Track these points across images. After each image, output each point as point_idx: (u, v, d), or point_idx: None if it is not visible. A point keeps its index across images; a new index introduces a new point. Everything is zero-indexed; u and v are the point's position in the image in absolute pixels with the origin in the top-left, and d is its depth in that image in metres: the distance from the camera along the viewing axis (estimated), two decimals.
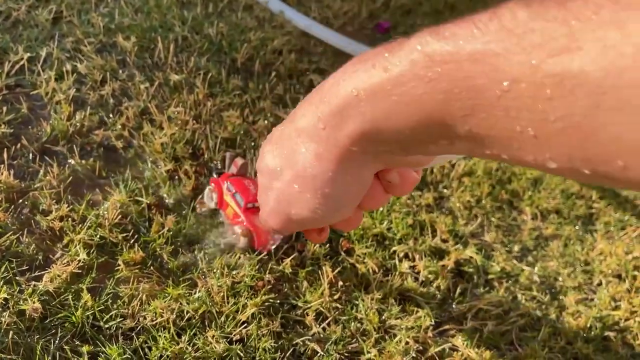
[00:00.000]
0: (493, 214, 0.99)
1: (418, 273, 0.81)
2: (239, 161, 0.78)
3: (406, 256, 0.83)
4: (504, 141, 0.28)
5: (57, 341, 0.58)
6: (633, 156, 0.23)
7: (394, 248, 0.83)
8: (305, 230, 0.54)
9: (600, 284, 0.94)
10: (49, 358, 0.56)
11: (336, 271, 0.76)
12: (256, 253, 0.74)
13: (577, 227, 1.04)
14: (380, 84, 0.33)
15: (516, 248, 0.95)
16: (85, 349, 0.58)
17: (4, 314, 0.57)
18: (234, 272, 0.71)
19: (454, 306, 0.80)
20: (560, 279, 0.93)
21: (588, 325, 0.85)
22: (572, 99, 0.24)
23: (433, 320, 0.75)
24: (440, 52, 0.30)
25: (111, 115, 0.88)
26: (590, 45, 0.23)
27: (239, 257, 0.73)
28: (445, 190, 0.99)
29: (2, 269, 0.62)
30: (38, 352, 0.56)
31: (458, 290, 0.82)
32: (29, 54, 0.90)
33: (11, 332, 0.56)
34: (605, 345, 0.84)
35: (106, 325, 0.61)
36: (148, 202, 0.76)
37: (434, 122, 0.31)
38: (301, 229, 0.51)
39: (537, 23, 0.26)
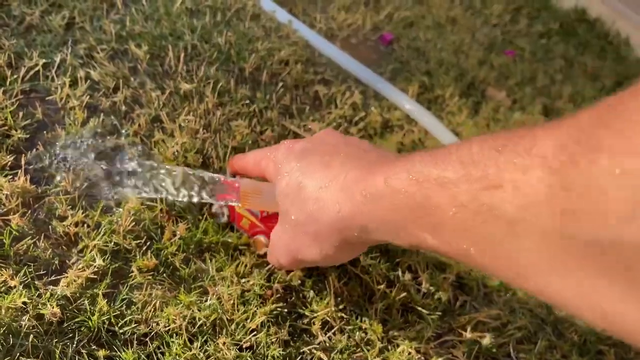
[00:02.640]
0: None
1: (420, 284, 0.84)
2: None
3: (409, 268, 0.85)
4: (460, 253, 0.37)
5: (74, 345, 0.60)
6: (540, 276, 0.31)
7: (397, 259, 0.85)
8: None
9: None
10: None
11: (342, 282, 0.78)
12: (266, 263, 0.76)
13: None
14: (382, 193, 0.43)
15: None
16: (101, 353, 0.60)
17: (24, 317, 0.59)
18: (243, 281, 0.73)
19: (454, 317, 0.83)
20: None
21: (583, 339, 0.87)
22: (496, 225, 0.32)
23: (434, 331, 0.78)
24: (420, 175, 0.39)
25: (123, 122, 0.90)
26: (506, 184, 0.30)
27: (248, 266, 0.75)
28: None
29: (21, 273, 0.63)
30: (57, 356, 0.58)
31: (458, 303, 0.85)
32: (44, 60, 0.92)
33: (31, 336, 0.58)
34: (599, 358, 0.86)
35: (121, 331, 0.63)
36: (161, 208, 0.78)
37: (407, 227, 0.41)
38: (301, 267, 0.70)
39: (481, 158, 0.33)
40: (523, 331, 0.85)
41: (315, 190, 0.51)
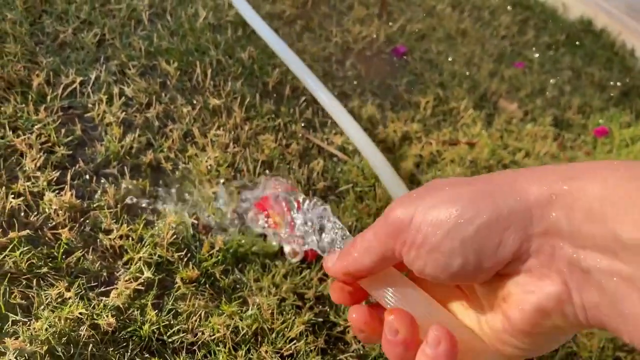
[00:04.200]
0: None
1: None
2: (279, 184, 0.85)
3: None
4: None
5: (129, 353, 0.63)
6: None
7: None
8: None
9: None
10: None
11: None
12: (300, 273, 0.80)
13: None
14: None
15: None
16: None
17: (82, 328, 0.62)
18: (278, 290, 0.77)
19: None
20: None
21: (601, 345, 0.91)
22: None
23: None
24: None
25: (157, 138, 0.93)
26: None
27: (283, 277, 0.79)
28: None
29: (75, 285, 0.67)
30: None
31: None
32: (80, 78, 0.95)
33: (90, 345, 0.61)
34: None
35: (170, 340, 0.67)
36: (197, 222, 0.81)
37: None
38: (391, 254, 0.34)
39: None
40: None
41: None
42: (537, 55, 1.76)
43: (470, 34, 1.74)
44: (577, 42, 1.92)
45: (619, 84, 1.76)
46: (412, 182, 1.08)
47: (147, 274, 0.70)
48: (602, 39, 1.99)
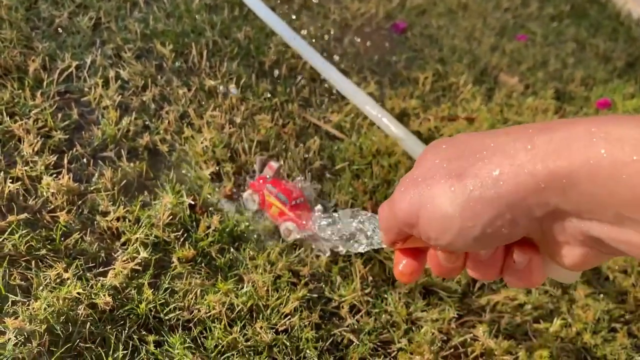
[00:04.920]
0: None
1: None
2: (274, 165, 0.86)
3: None
4: None
5: (126, 331, 0.65)
6: None
7: None
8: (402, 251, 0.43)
9: (607, 278, 1.01)
10: (122, 346, 0.63)
11: (367, 267, 0.83)
12: (295, 251, 0.81)
13: None
14: None
15: None
16: (151, 338, 0.65)
17: (80, 307, 0.64)
18: (273, 267, 0.78)
19: (473, 299, 0.87)
20: None
21: (596, 317, 0.91)
22: None
23: (455, 313, 0.82)
24: None
25: (154, 120, 0.94)
26: None
27: (279, 254, 0.80)
28: None
29: (73, 266, 0.68)
30: (112, 341, 0.63)
31: (477, 285, 0.89)
32: (76, 62, 0.96)
33: (88, 324, 0.63)
34: (612, 336, 0.91)
35: (166, 317, 0.68)
36: (193, 202, 0.82)
37: None
38: (408, 232, 0.38)
39: None
40: (539, 311, 0.89)
41: (486, 140, 0.35)
42: (540, 27, 1.74)
43: (472, 8, 1.72)
44: (582, 13, 1.89)
45: (623, 54, 1.74)
46: (411, 158, 1.09)
47: (143, 254, 0.72)
48: (607, 9, 1.96)
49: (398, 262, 0.42)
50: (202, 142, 0.92)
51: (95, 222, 0.76)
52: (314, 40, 1.31)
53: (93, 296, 0.66)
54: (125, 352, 0.63)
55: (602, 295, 0.97)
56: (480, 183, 0.32)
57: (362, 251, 0.78)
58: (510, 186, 0.30)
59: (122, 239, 0.75)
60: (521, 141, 0.31)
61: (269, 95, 1.08)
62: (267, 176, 0.87)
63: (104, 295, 0.65)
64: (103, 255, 0.73)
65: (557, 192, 0.29)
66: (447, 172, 0.34)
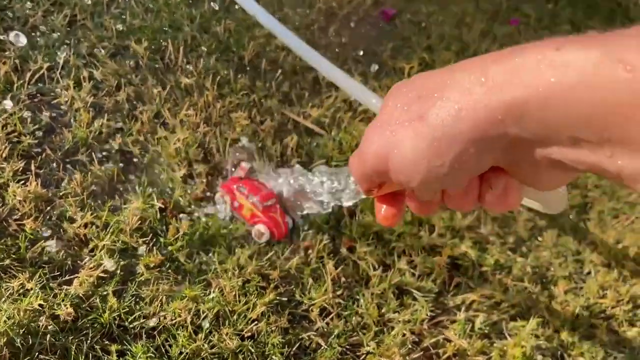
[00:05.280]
0: None
1: (415, 268, 0.87)
2: (246, 165, 0.85)
3: (404, 252, 0.89)
4: None
5: (88, 341, 0.65)
6: None
7: (393, 244, 0.89)
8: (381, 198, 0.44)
9: (589, 273, 0.99)
10: (83, 357, 0.64)
11: (339, 268, 0.82)
12: (266, 254, 0.81)
13: (571, 217, 1.10)
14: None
15: (511, 239, 1.00)
16: (114, 347, 0.65)
17: (41, 318, 0.64)
18: (243, 271, 0.78)
19: (449, 298, 0.87)
20: (552, 268, 0.98)
21: (576, 313, 0.91)
22: None
23: (428, 313, 0.82)
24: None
25: (127, 121, 0.93)
26: None
27: (247, 258, 0.80)
28: None
29: (37, 275, 0.68)
30: (73, 352, 0.63)
31: (453, 284, 0.88)
32: (48, 63, 0.95)
33: (48, 335, 0.63)
34: (591, 332, 0.90)
35: (131, 325, 0.68)
36: (163, 206, 0.82)
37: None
38: (380, 180, 0.39)
39: None
40: (517, 309, 0.89)
41: (445, 77, 0.35)
42: (534, 10, 1.69)
43: None
44: None
45: None
46: None
47: (107, 261, 0.72)
48: None
49: (379, 209, 0.43)
50: (175, 143, 0.91)
51: (62, 229, 0.76)
52: (298, 31, 1.29)
53: (55, 307, 0.66)
54: None
55: (583, 290, 0.96)
56: (441, 122, 0.33)
57: (351, 203, 0.78)
58: (470, 121, 0.32)
59: (90, 246, 0.75)
60: (475, 75, 0.32)
61: (247, 91, 1.07)
62: (240, 177, 0.86)
63: (66, 306, 0.66)
64: (69, 263, 0.73)
65: (514, 123, 0.30)
66: (409, 115, 0.35)
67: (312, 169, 0.89)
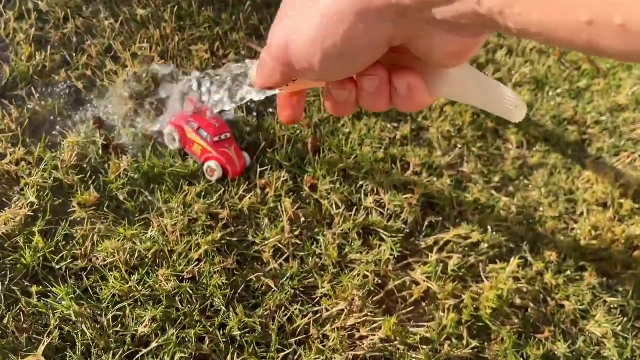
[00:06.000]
0: (474, 143, 0.96)
1: (384, 207, 0.80)
2: (194, 98, 0.77)
3: (372, 190, 0.81)
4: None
5: (7, 282, 0.60)
6: None
7: (360, 182, 0.81)
8: (283, 100, 0.46)
9: (582, 213, 0.91)
10: None
11: (297, 207, 0.76)
12: (215, 190, 0.74)
13: (565, 155, 1.00)
14: None
15: (496, 178, 0.92)
16: (34, 289, 0.60)
17: None
18: (189, 210, 0.72)
19: (420, 239, 0.79)
20: (540, 209, 0.90)
21: (563, 256, 0.83)
22: None
23: (395, 254, 0.75)
24: None
25: (74, 55, 0.86)
26: None
27: (197, 196, 0.73)
28: (424, 121, 0.96)
29: None
30: None
31: (426, 224, 0.81)
32: None
33: None
34: (579, 275, 0.82)
35: (57, 266, 0.63)
36: (106, 142, 0.76)
37: None
38: (287, 74, 0.39)
39: None
40: (496, 250, 0.81)
41: None
42: None
43: None
44: None
45: None
46: None
47: (32, 199, 0.66)
48: None
49: (282, 107, 0.45)
50: (125, 77, 0.84)
51: None
52: None
53: None
54: None
55: (574, 232, 0.88)
56: (329, 1, 0.33)
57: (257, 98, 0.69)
58: None
59: (22, 184, 0.70)
60: None
61: (211, 23, 0.99)
62: (190, 111, 0.79)
63: None
64: None
65: None
66: (302, 2, 0.35)
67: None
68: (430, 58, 0.35)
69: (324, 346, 0.64)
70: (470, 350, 0.69)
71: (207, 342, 0.61)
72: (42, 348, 0.55)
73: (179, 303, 0.63)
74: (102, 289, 0.62)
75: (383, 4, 0.31)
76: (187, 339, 0.60)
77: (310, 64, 0.36)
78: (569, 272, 0.81)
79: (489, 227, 0.82)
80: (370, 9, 0.32)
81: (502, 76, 1.11)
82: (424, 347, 0.68)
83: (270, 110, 0.90)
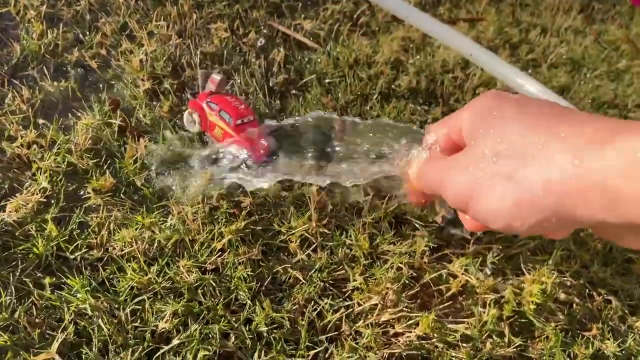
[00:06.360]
0: None
1: None
2: (217, 77, 0.72)
3: None
4: None
5: (18, 273, 0.56)
6: None
7: None
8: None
9: None
10: (7, 291, 0.54)
11: (325, 194, 0.71)
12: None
13: None
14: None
15: None
16: (47, 280, 0.56)
17: None
18: (210, 197, 0.67)
19: (457, 228, 0.74)
20: None
21: (608, 247, 0.77)
22: None
23: (431, 245, 0.70)
24: None
25: (87, 33, 0.82)
26: None
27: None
28: (456, 104, 0.90)
29: None
30: None
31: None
32: None
33: None
34: (626, 268, 0.76)
35: (72, 256, 0.59)
36: (123, 125, 0.71)
37: None
38: (463, 212, 0.43)
39: None
40: (537, 241, 0.76)
41: (551, 138, 0.37)
42: None
43: None
44: None
45: None
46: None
47: (45, 184, 0.62)
48: None
49: (415, 196, 0.54)
50: (140, 56, 0.79)
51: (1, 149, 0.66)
52: None
53: None
54: (10, 298, 0.54)
55: None
56: (529, 188, 0.34)
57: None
58: (559, 196, 0.33)
59: (33, 168, 0.65)
60: (571, 153, 0.32)
61: (230, 1, 0.94)
62: (211, 91, 0.74)
63: None
64: (7, 186, 0.63)
65: (604, 209, 0.31)
66: (496, 170, 0.36)
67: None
68: (618, 242, 0.39)
69: (356, 343, 0.59)
70: (514, 349, 0.64)
71: (232, 338, 0.57)
72: (55, 345, 0.51)
73: (201, 296, 0.58)
74: (119, 281, 0.58)
75: (587, 220, 0.32)
76: (210, 335, 0.56)
77: (487, 223, 0.39)
78: (614, 265, 0.75)
79: None
80: (570, 213, 0.33)
81: (537, 57, 1.05)
82: (464, 344, 0.63)
83: (294, 92, 0.85)
